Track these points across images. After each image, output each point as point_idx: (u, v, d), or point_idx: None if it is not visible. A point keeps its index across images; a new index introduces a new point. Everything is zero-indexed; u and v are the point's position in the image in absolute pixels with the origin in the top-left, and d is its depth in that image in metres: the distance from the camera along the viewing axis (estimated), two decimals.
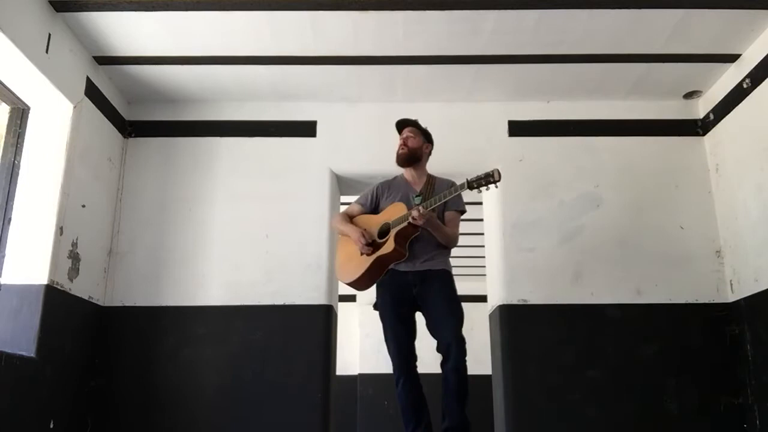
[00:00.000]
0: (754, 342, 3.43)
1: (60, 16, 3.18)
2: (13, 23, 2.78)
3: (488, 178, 2.58)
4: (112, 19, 3.22)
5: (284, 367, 3.62)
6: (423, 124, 3.06)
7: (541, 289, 3.75)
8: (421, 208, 2.64)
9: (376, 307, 2.91)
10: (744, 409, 3.49)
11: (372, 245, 2.81)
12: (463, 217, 2.99)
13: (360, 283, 2.89)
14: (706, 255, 3.79)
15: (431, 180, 2.98)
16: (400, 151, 2.98)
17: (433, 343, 2.73)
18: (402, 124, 3.05)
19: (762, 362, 3.37)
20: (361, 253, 2.84)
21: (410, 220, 2.65)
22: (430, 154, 3.07)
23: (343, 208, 4.32)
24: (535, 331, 3.70)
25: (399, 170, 3.14)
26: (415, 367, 2.79)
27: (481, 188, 2.60)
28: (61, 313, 3.23)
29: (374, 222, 2.91)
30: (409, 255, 2.77)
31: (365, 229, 2.87)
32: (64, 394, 3.28)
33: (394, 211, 2.84)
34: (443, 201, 2.70)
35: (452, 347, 2.64)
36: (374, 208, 3.03)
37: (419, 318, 2.82)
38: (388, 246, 2.74)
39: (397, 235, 2.73)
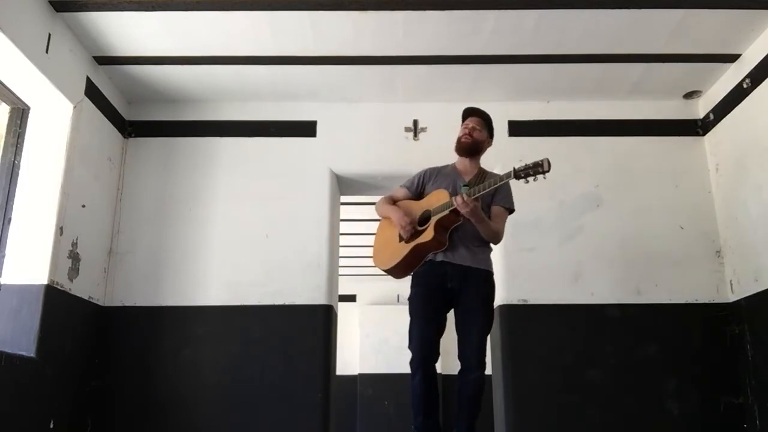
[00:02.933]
0: (754, 342, 3.43)
1: (60, 16, 3.18)
2: (13, 23, 2.78)
3: (537, 168, 2.42)
4: (112, 19, 3.22)
5: (284, 367, 3.62)
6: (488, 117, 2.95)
7: (541, 289, 3.74)
8: (465, 194, 2.49)
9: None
10: (744, 409, 3.49)
11: (413, 230, 2.70)
12: None
13: (396, 271, 2.79)
14: (706, 255, 3.79)
15: (483, 173, 2.83)
16: (464, 140, 2.84)
17: (446, 342, 2.68)
18: (470, 113, 2.91)
19: (762, 362, 3.37)
20: (399, 240, 2.74)
21: (454, 205, 2.52)
22: (487, 148, 2.96)
23: (343, 208, 4.34)
24: (535, 331, 3.70)
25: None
26: (434, 362, 2.68)
27: (528, 178, 2.45)
28: (61, 313, 3.22)
29: (416, 208, 2.79)
30: (450, 244, 2.65)
31: (407, 212, 2.77)
32: (64, 394, 3.28)
33: (436, 198, 2.71)
34: (490, 189, 2.55)
35: (473, 364, 2.59)
36: (419, 194, 2.89)
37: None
38: (428, 234, 2.62)
39: (437, 223, 2.61)
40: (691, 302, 3.70)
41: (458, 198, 2.51)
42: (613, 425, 3.53)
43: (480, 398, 2.60)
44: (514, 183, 3.80)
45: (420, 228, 2.71)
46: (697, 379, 3.58)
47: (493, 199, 2.77)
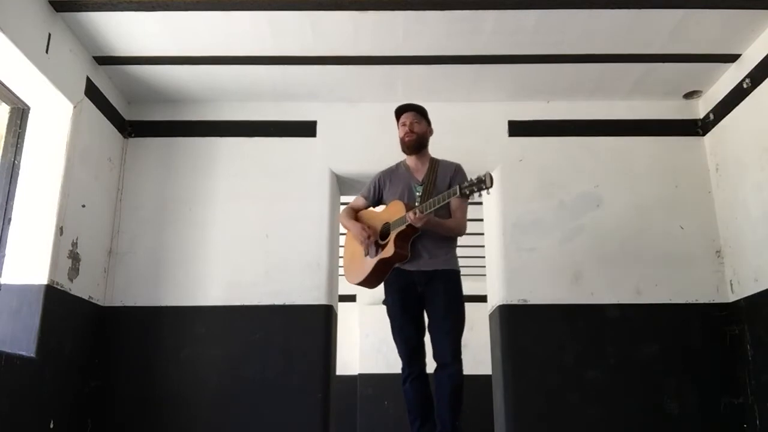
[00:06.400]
0: (754, 342, 3.43)
1: (60, 16, 3.18)
2: (13, 23, 2.78)
3: (480, 184, 2.48)
4: (112, 19, 3.22)
5: (284, 367, 3.62)
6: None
7: (541, 289, 3.75)
8: (417, 210, 2.57)
9: (385, 302, 2.87)
10: (744, 409, 3.49)
11: (374, 244, 2.78)
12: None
13: (367, 284, 2.85)
14: (706, 255, 3.79)
15: (434, 165, 2.86)
16: (407, 139, 2.86)
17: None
18: (402, 110, 2.93)
19: (762, 362, 3.37)
20: (365, 254, 2.81)
21: (408, 221, 2.60)
22: (430, 137, 2.98)
23: (343, 208, 4.34)
24: (535, 331, 3.70)
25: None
26: (425, 364, 2.76)
27: (473, 194, 2.51)
28: (61, 313, 3.22)
29: (378, 219, 2.86)
30: (413, 254, 2.71)
31: (368, 227, 2.83)
32: (64, 394, 3.28)
33: (393, 210, 2.77)
34: (440, 205, 2.59)
35: (448, 358, 2.62)
36: (378, 200, 2.97)
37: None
38: (388, 250, 2.69)
39: (397, 237, 2.68)
40: (691, 302, 3.70)
41: (410, 214, 2.58)
42: (613, 425, 3.53)
43: (461, 393, 2.62)
44: (515, 186, 3.80)
45: (382, 242, 2.77)
46: (697, 379, 3.58)
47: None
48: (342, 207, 4.30)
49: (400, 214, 2.69)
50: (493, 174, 2.53)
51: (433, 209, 2.59)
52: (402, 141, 2.90)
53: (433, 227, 2.67)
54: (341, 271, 4.24)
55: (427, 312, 2.77)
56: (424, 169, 2.87)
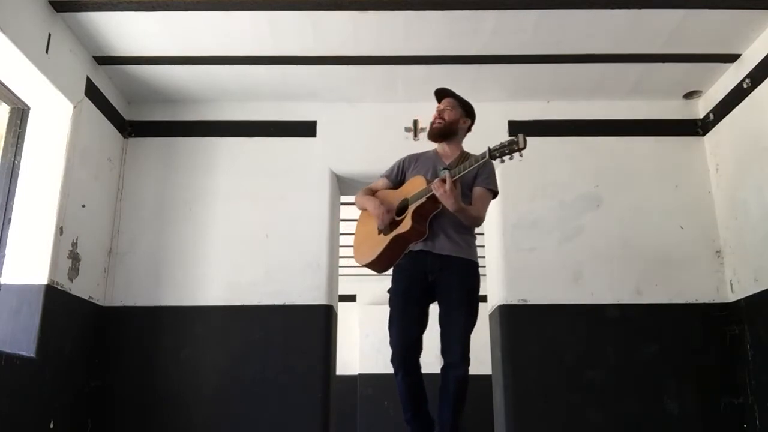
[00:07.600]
0: (754, 342, 3.43)
1: (60, 16, 3.18)
2: (13, 23, 2.78)
3: (512, 146, 2.27)
4: (112, 19, 3.22)
5: (284, 367, 3.62)
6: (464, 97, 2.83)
7: (541, 289, 3.74)
8: (447, 175, 2.36)
9: (389, 290, 2.70)
10: (744, 409, 3.49)
11: (390, 220, 2.59)
12: None
13: (377, 265, 2.65)
14: (706, 255, 3.79)
15: (465, 156, 2.65)
16: (435, 124, 2.72)
17: (437, 341, 2.64)
18: (440, 95, 2.79)
19: (762, 362, 3.37)
20: (379, 232, 2.64)
21: (432, 188, 2.39)
22: (469, 129, 2.81)
23: (342, 208, 4.34)
24: (535, 331, 3.70)
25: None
26: (417, 359, 2.58)
27: (504, 157, 2.31)
28: (61, 313, 3.23)
29: (395, 197, 2.67)
30: (429, 233, 2.52)
31: (384, 202, 2.65)
32: (64, 394, 3.28)
33: (413, 186, 2.59)
34: (469, 170, 2.39)
35: (457, 358, 2.49)
36: (401, 181, 2.77)
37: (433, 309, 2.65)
38: (405, 224, 2.49)
39: (415, 212, 2.48)
40: (691, 302, 3.70)
41: (436, 182, 2.38)
42: (613, 425, 3.53)
43: (465, 395, 2.51)
44: (515, 186, 3.78)
45: (398, 218, 2.57)
46: (697, 379, 3.58)
47: (475, 181, 2.63)
48: (342, 207, 4.32)
49: (420, 188, 2.52)
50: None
51: (462, 174, 2.40)
52: (431, 126, 2.77)
53: (453, 207, 2.42)
54: (341, 271, 4.26)
55: (438, 303, 2.60)
56: (453, 157, 2.72)
